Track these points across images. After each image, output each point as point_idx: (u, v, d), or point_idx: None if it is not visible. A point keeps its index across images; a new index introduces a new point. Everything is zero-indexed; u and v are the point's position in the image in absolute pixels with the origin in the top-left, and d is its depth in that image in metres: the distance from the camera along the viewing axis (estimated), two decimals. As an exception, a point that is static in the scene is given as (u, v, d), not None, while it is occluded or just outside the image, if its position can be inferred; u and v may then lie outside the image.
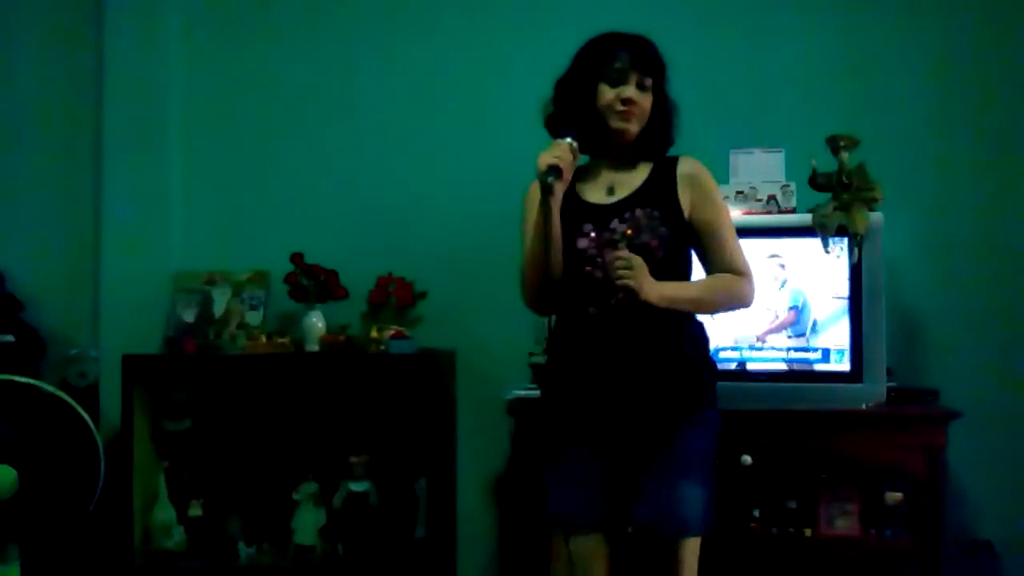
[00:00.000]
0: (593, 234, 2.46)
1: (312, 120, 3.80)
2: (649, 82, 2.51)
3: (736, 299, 2.54)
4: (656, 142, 2.56)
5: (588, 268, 2.45)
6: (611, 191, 2.53)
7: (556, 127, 2.53)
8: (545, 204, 2.36)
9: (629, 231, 2.44)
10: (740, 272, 2.53)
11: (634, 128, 2.51)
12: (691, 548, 2.44)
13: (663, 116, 2.55)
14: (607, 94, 2.48)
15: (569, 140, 2.41)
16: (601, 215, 2.48)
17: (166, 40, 3.79)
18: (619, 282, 2.36)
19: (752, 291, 2.55)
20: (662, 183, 2.52)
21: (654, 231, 2.44)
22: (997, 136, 3.50)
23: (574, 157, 2.41)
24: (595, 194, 2.53)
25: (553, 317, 2.61)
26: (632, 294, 2.37)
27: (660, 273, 2.41)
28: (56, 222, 3.84)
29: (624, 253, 2.38)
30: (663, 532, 2.41)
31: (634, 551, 2.49)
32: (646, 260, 2.39)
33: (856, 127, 3.17)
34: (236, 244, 3.76)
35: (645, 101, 2.50)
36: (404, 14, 3.78)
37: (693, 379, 2.51)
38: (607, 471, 2.48)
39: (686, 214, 2.50)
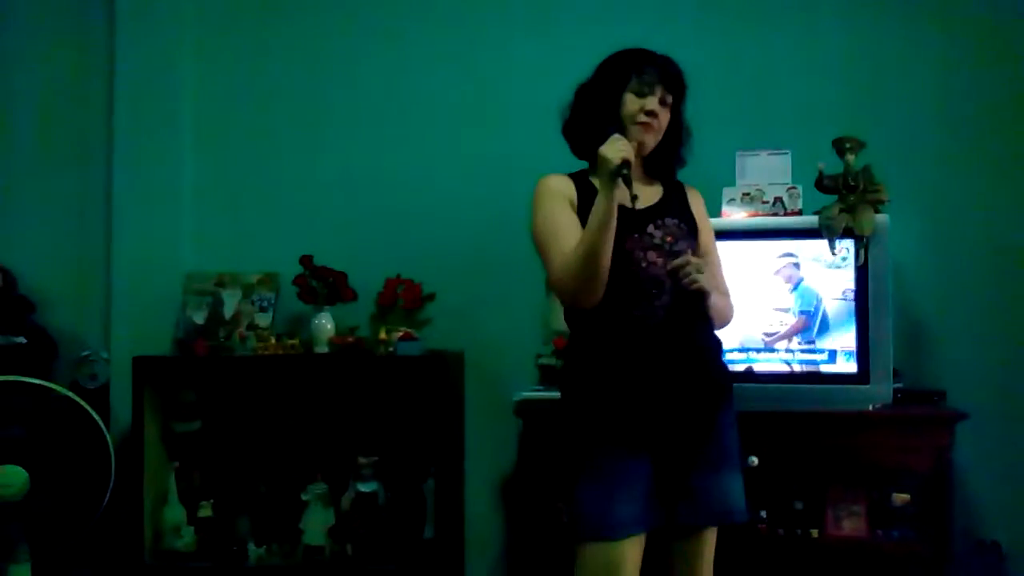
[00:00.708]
0: (636, 236, 2.48)
1: (322, 123, 3.82)
2: (671, 100, 2.56)
3: (728, 316, 2.68)
4: (668, 160, 2.63)
5: (634, 268, 2.46)
6: (635, 199, 2.50)
7: (574, 134, 2.59)
8: (610, 198, 2.35)
9: (669, 238, 2.51)
10: (727, 293, 2.68)
11: (651, 143, 2.55)
12: (714, 540, 2.56)
13: (677, 136, 2.62)
14: (632, 104, 2.51)
15: (620, 136, 2.41)
16: (636, 219, 2.48)
17: (177, 43, 3.82)
18: (693, 286, 2.41)
19: (734, 312, 2.70)
20: (678, 200, 2.62)
21: (686, 240, 2.53)
22: (1004, 138, 3.50)
23: (633, 154, 2.41)
24: (623, 199, 2.51)
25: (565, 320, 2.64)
26: (698, 296, 2.46)
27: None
28: (67, 224, 3.86)
29: (693, 258, 2.44)
30: (721, 523, 2.54)
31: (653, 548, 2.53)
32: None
33: (862, 129, 3.19)
34: (246, 246, 3.78)
35: (664, 117, 2.55)
36: (413, 17, 3.79)
37: (723, 375, 2.62)
38: (653, 473, 2.47)
39: (698, 231, 2.61)
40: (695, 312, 2.49)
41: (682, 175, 3.26)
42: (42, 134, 3.89)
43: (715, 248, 2.69)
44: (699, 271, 2.42)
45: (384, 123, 3.79)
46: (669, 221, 2.53)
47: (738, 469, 2.57)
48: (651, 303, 2.46)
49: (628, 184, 2.35)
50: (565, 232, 2.47)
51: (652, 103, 2.51)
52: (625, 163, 2.33)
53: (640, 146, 2.53)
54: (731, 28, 3.63)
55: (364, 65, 3.81)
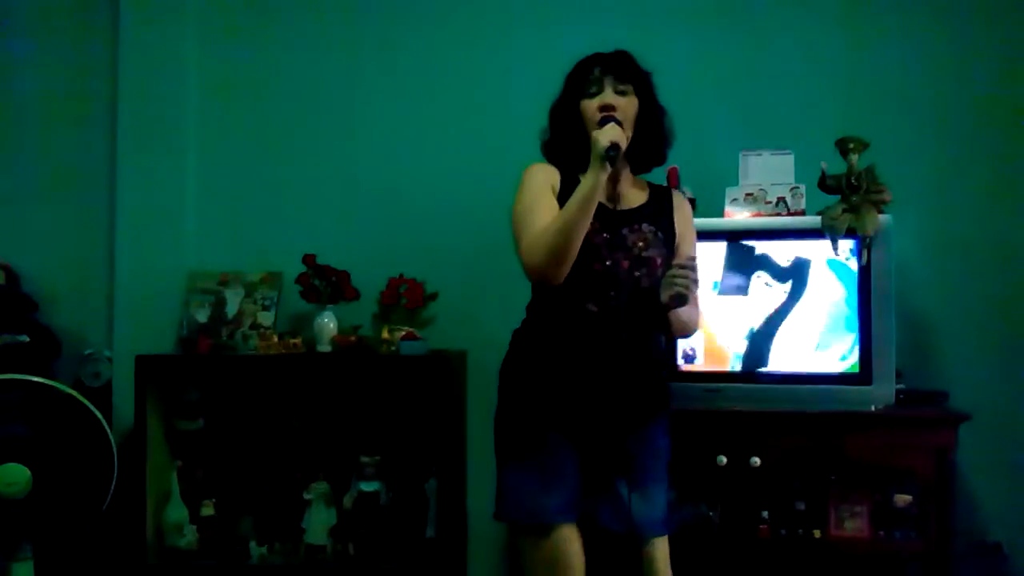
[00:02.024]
0: (607, 235, 2.52)
1: (325, 122, 3.82)
2: (629, 88, 2.57)
3: (693, 327, 2.69)
4: (649, 146, 2.62)
5: (597, 266, 2.51)
6: (617, 200, 2.58)
7: (552, 153, 2.66)
8: (595, 178, 2.40)
9: (640, 243, 2.54)
10: (696, 305, 2.65)
11: (627, 138, 2.54)
12: (666, 545, 2.58)
13: (651, 121, 2.61)
14: (588, 108, 2.56)
15: (618, 128, 2.48)
16: (612, 219, 2.54)
17: (181, 41, 3.81)
18: (677, 290, 2.43)
19: (698, 324, 2.72)
20: (660, 208, 2.64)
21: (658, 248, 2.56)
22: (1006, 139, 3.50)
23: (626, 143, 2.48)
24: (604, 198, 2.55)
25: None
26: (658, 302, 2.48)
27: (657, 287, 2.53)
28: (71, 223, 3.86)
29: (689, 265, 2.45)
30: (640, 533, 2.52)
31: (603, 553, 2.56)
32: (648, 273, 2.54)
33: (865, 129, 3.18)
34: (249, 245, 3.78)
35: (628, 106, 2.56)
36: (414, 17, 3.80)
37: (663, 382, 2.68)
38: (583, 467, 2.53)
39: (676, 241, 2.63)
40: (650, 320, 2.55)
41: (685, 174, 3.28)
42: (46, 132, 3.89)
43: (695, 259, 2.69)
44: (695, 280, 2.45)
45: (387, 122, 3.79)
46: (646, 227, 2.57)
47: (664, 481, 2.60)
48: (607, 301, 2.51)
49: (612, 165, 2.41)
50: (542, 211, 2.51)
51: (606, 97, 2.54)
52: (614, 146, 2.40)
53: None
54: (733, 28, 3.63)
55: (367, 65, 3.81)
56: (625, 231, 2.55)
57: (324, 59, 3.83)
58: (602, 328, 2.51)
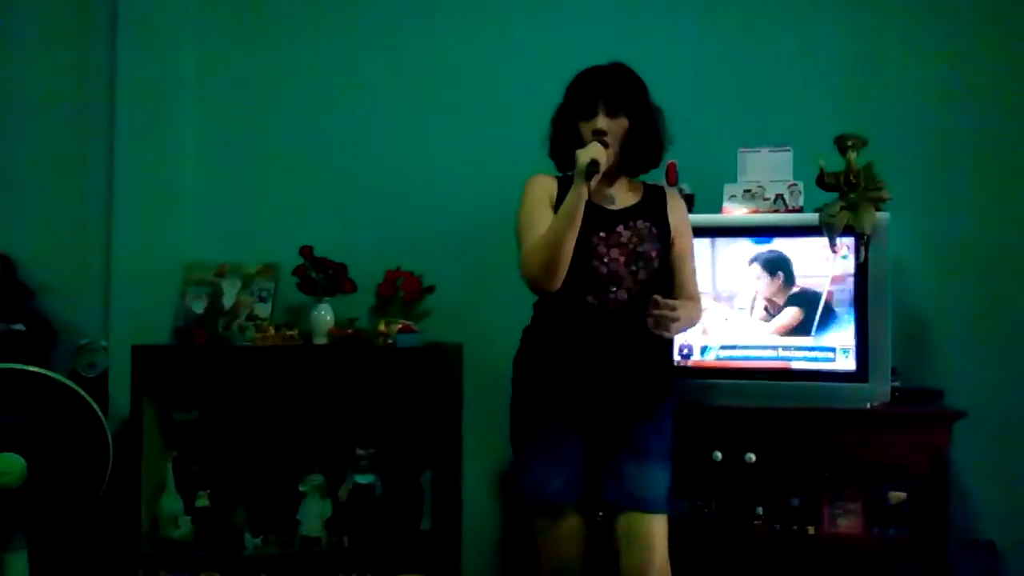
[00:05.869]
0: (603, 234, 2.66)
1: (322, 114, 3.81)
2: (621, 109, 2.68)
3: (696, 319, 2.82)
4: (640, 156, 2.74)
5: (595, 263, 2.65)
6: (612, 201, 2.73)
7: (556, 159, 2.79)
8: (578, 194, 2.54)
9: (635, 238, 2.68)
10: (697, 298, 2.83)
11: (611, 156, 2.66)
12: (663, 525, 2.65)
13: (641, 134, 2.71)
14: (584, 129, 2.68)
15: (600, 146, 2.62)
16: (608, 219, 2.70)
17: (179, 33, 3.81)
18: (657, 330, 2.54)
19: (701, 314, 2.84)
20: (654, 205, 2.76)
21: (653, 242, 2.69)
22: (1004, 136, 3.50)
23: (607, 159, 2.61)
24: (600, 200, 2.71)
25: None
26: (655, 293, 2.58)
27: (656, 279, 2.70)
28: (68, 212, 3.86)
29: (674, 306, 2.52)
30: (638, 509, 2.64)
31: (602, 532, 2.70)
32: (645, 266, 2.68)
33: (864, 127, 3.18)
34: (246, 236, 3.77)
35: (618, 127, 2.68)
36: (411, 8, 3.79)
37: (665, 370, 2.80)
38: (586, 452, 2.68)
39: (671, 236, 2.75)
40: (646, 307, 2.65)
41: (683, 170, 3.29)
42: (43, 121, 3.88)
43: (692, 255, 2.84)
44: (675, 320, 2.53)
45: (384, 115, 3.78)
46: (640, 223, 2.70)
47: (667, 460, 2.70)
48: (606, 294, 2.64)
49: (589, 178, 2.54)
50: (538, 224, 2.66)
51: (598, 122, 2.67)
52: (593, 163, 2.54)
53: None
54: (732, 25, 3.63)
55: (365, 57, 3.80)
56: (620, 228, 2.69)
57: (322, 51, 3.82)
58: (601, 318, 2.65)
